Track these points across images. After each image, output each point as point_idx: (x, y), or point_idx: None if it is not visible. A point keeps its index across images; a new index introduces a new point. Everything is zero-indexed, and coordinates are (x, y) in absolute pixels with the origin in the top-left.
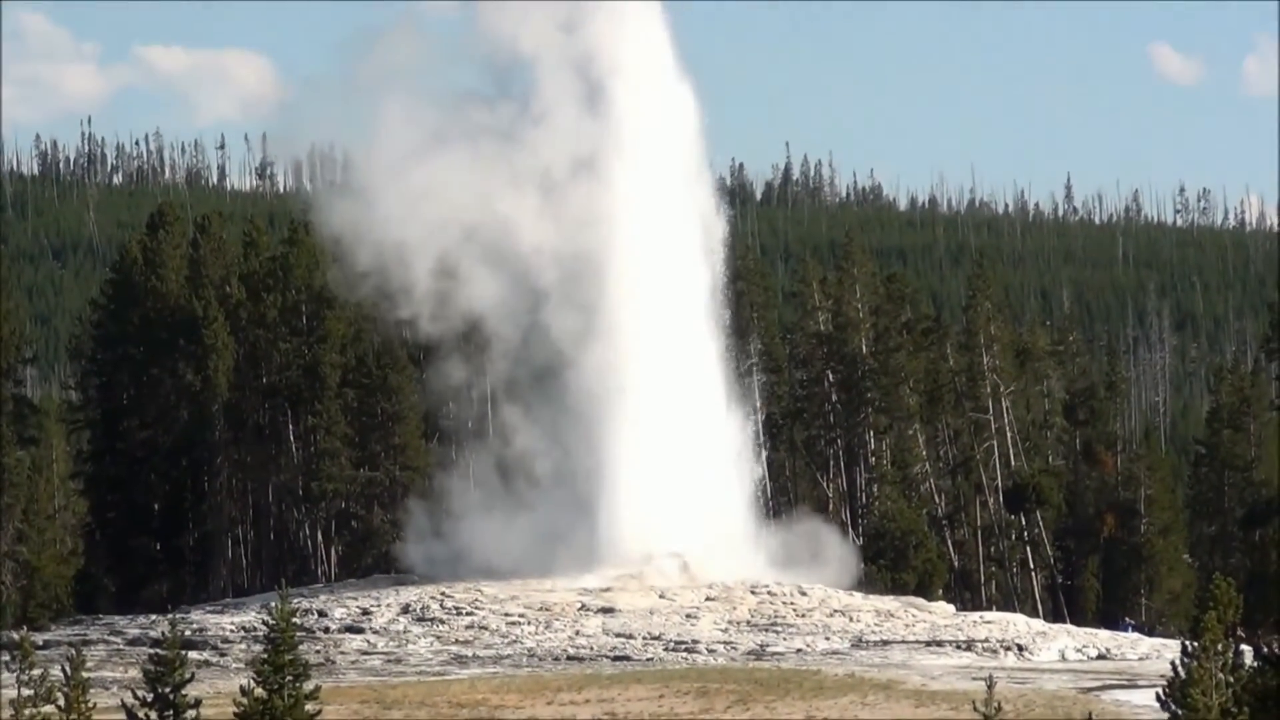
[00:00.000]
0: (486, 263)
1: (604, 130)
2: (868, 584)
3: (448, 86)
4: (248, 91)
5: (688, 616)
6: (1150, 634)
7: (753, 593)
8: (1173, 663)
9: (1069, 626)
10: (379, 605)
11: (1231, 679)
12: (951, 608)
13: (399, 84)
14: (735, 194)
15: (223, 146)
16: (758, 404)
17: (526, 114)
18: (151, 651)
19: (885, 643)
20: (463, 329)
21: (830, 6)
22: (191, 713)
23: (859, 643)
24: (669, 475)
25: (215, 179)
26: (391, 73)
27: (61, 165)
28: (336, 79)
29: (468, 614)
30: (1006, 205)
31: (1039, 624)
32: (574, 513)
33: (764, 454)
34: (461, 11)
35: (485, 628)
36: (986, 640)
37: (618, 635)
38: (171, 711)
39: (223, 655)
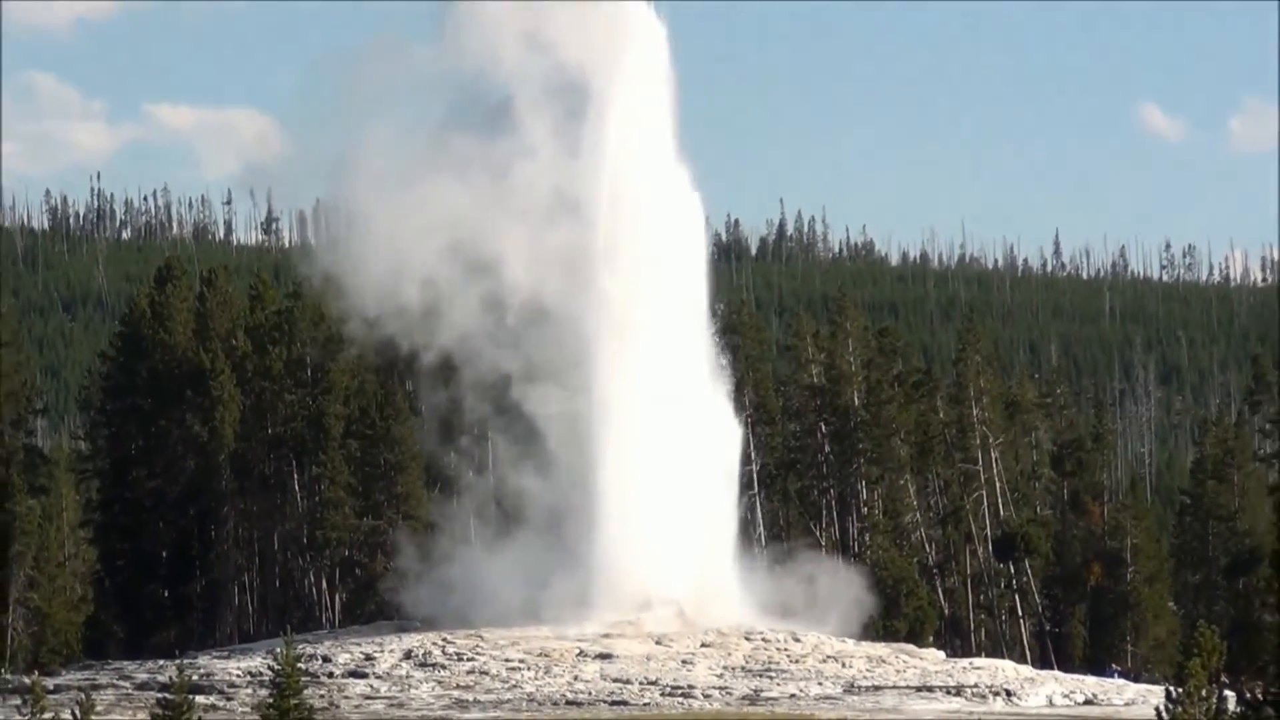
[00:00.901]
0: (473, 306)
1: (592, 172)
2: (869, 630)
3: (430, 115)
4: (251, 148)
5: (683, 662)
6: (1136, 680)
7: (747, 639)
8: (1158, 708)
9: (1056, 673)
10: (382, 651)
11: None
12: (942, 654)
13: (381, 111)
14: (731, 249)
15: (229, 202)
16: (752, 454)
17: (514, 148)
18: (160, 696)
19: (877, 688)
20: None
21: (824, 67)
22: None
23: (851, 688)
24: (666, 524)
25: (222, 234)
26: (373, 100)
27: (71, 220)
28: (325, 126)
29: (469, 659)
30: (996, 261)
31: (1027, 670)
32: (572, 561)
33: (759, 503)
34: (443, 48)
35: (486, 673)
36: (976, 686)
37: (615, 680)
38: None
39: (229, 700)
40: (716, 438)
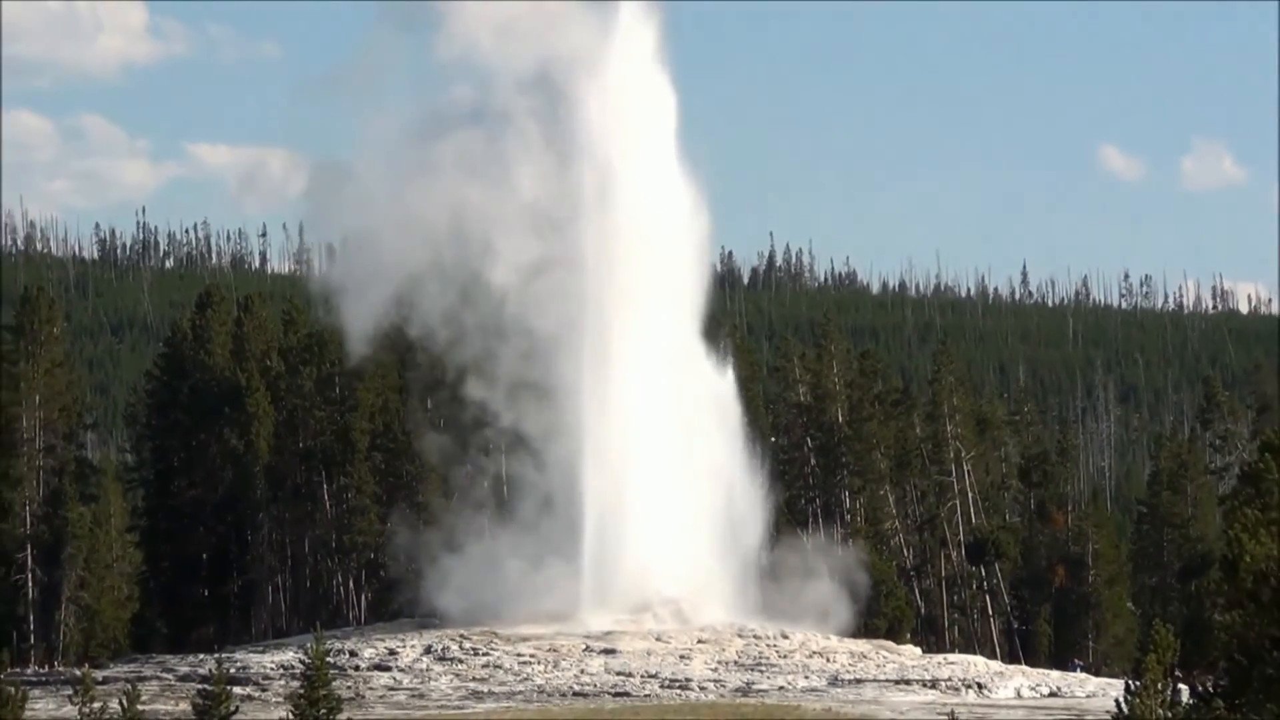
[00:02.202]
0: (466, 317)
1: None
2: (849, 629)
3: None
4: (283, 185)
5: (681, 657)
6: (1097, 674)
7: (740, 636)
8: (1117, 700)
9: (1024, 667)
10: (404, 646)
11: (1170, 715)
12: (918, 650)
13: (370, 118)
14: (724, 278)
15: (264, 234)
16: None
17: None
18: (200, 687)
19: (859, 681)
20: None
21: (811, 110)
22: None
23: (835, 681)
24: (666, 530)
25: (257, 264)
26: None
27: (119, 251)
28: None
29: (484, 654)
30: (968, 289)
31: (997, 665)
32: (580, 566)
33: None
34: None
35: (500, 666)
36: (950, 679)
37: (618, 674)
38: None
39: (264, 691)
40: (711, 453)
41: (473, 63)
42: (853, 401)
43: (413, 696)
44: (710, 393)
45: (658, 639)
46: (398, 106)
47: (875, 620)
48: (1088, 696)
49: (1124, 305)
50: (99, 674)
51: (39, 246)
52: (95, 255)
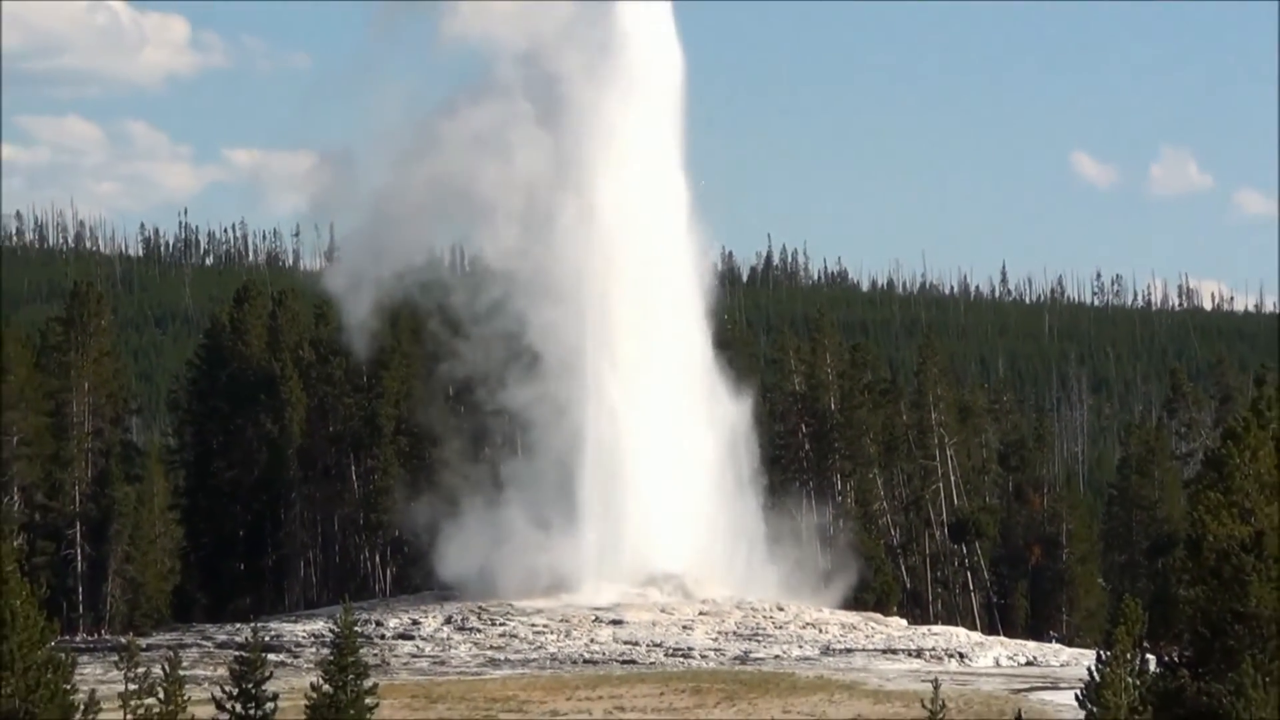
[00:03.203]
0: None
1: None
2: (840, 602)
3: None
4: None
5: (684, 628)
6: (1070, 645)
7: (738, 608)
8: (1089, 669)
9: (1002, 638)
10: (426, 617)
11: (1137, 682)
12: (904, 622)
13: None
14: (725, 277)
15: (298, 234)
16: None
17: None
18: (237, 654)
19: (849, 650)
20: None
21: (806, 121)
22: (270, 705)
23: (827, 650)
24: (671, 511)
25: (291, 261)
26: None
27: (162, 249)
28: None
29: (500, 624)
30: (952, 287)
31: (977, 636)
32: (590, 542)
33: (749, 492)
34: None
35: (515, 636)
36: (933, 649)
37: (626, 643)
38: (253, 704)
39: (296, 657)
40: (715, 442)
41: (476, 50)
42: (844, 391)
43: (434, 663)
44: (708, 386)
45: (662, 611)
46: (399, 93)
47: (864, 594)
48: (1062, 666)
49: (1096, 302)
50: (143, 642)
51: (88, 245)
52: (140, 253)
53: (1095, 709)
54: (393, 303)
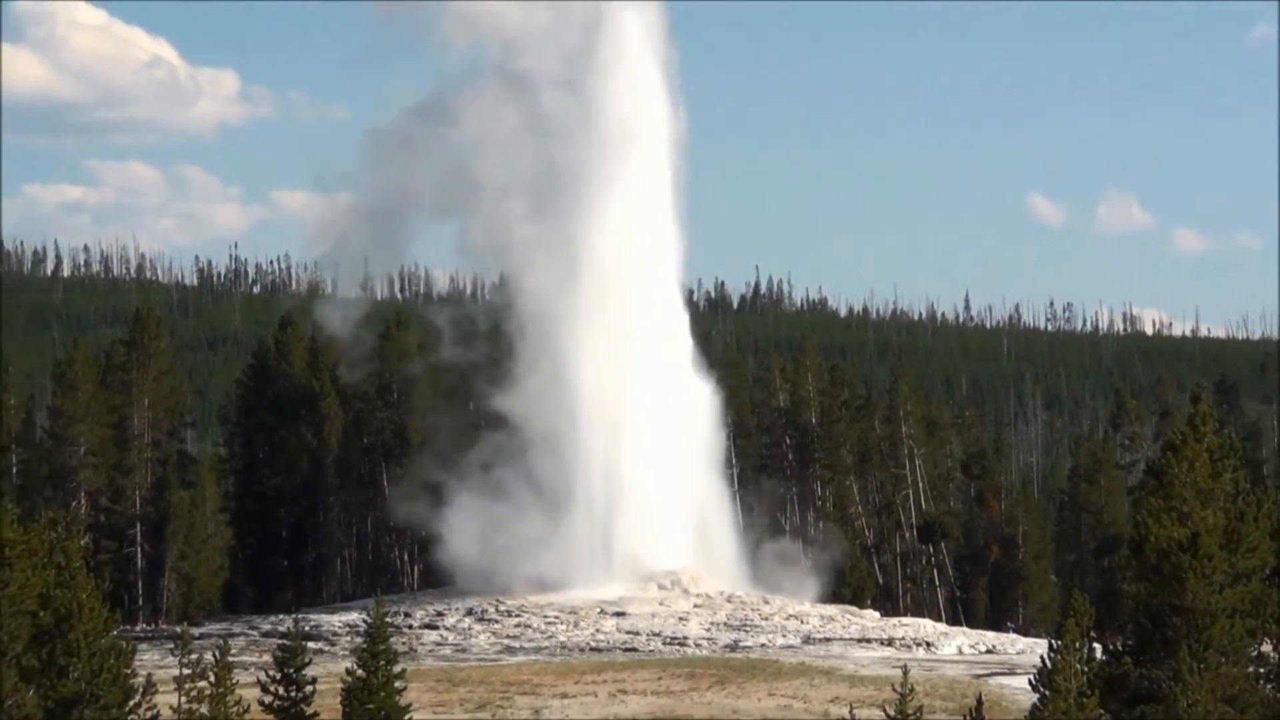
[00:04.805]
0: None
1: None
2: (820, 596)
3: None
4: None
5: (680, 619)
6: (1025, 634)
7: (729, 602)
8: (1042, 656)
9: (964, 629)
10: (450, 609)
11: (1085, 669)
12: (877, 614)
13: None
14: (717, 303)
15: (335, 265)
16: (734, 460)
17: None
18: (280, 642)
19: (828, 640)
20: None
21: (793, 162)
22: (309, 688)
23: (808, 640)
24: (668, 514)
25: (330, 289)
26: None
27: (214, 279)
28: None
29: (515, 616)
30: (920, 313)
31: (943, 626)
32: (596, 541)
33: (738, 498)
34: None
35: (529, 626)
36: (903, 638)
37: (628, 633)
38: (294, 687)
39: (333, 645)
40: (708, 451)
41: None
42: (824, 406)
43: (456, 651)
44: (698, 398)
45: (660, 604)
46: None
47: (841, 589)
48: (1018, 653)
49: (1049, 328)
50: (196, 631)
51: (149, 275)
52: (195, 282)
53: (1047, 692)
54: (419, 323)
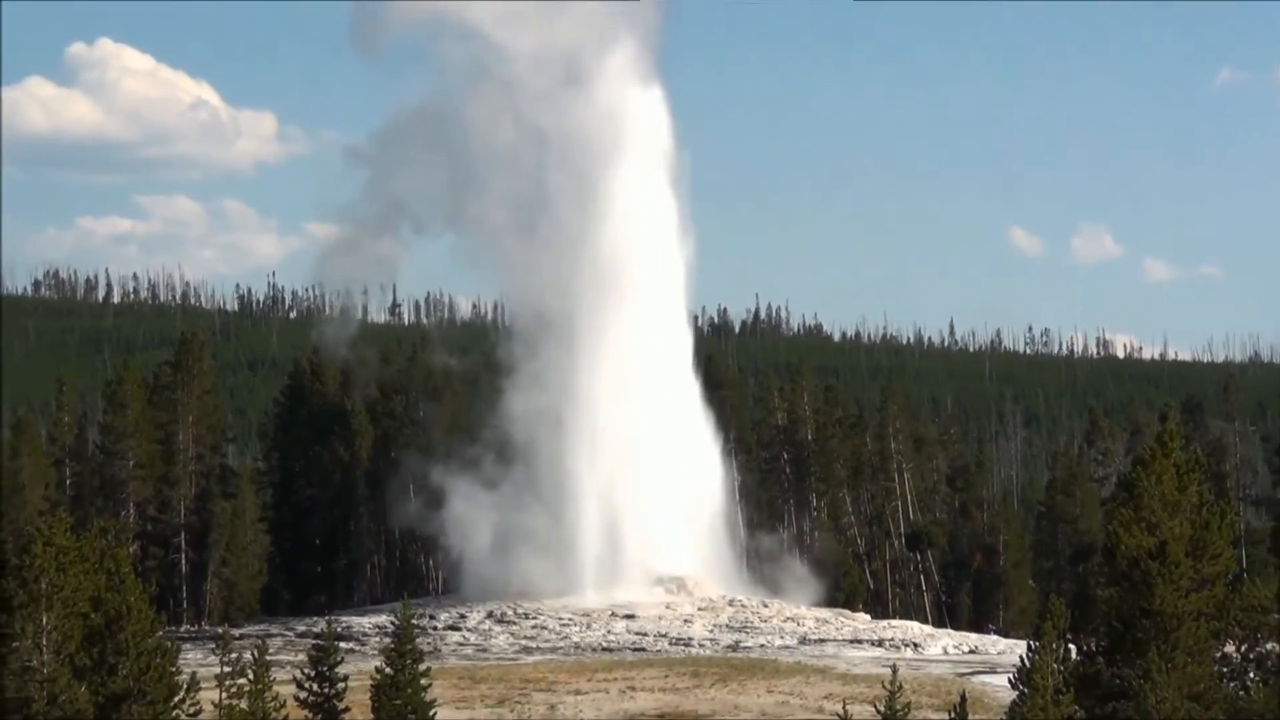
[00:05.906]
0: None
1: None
2: (815, 600)
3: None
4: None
5: (685, 621)
6: (1006, 636)
7: (730, 605)
8: (1021, 656)
9: (949, 631)
10: (471, 612)
11: (1061, 668)
12: (868, 617)
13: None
14: (720, 328)
15: (365, 292)
16: (735, 473)
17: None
18: (314, 642)
19: (822, 640)
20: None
21: (790, 196)
22: (341, 685)
23: (804, 640)
24: (676, 524)
25: (360, 314)
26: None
27: (254, 305)
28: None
29: (532, 618)
30: (909, 338)
31: (929, 629)
32: (608, 551)
33: (739, 509)
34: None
35: (545, 628)
36: (892, 639)
37: (636, 634)
38: (328, 684)
39: (363, 645)
40: (710, 469)
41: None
42: (819, 424)
43: (478, 651)
44: (699, 416)
45: (667, 607)
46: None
47: (835, 593)
48: (999, 653)
49: (1028, 351)
50: (236, 631)
51: (193, 301)
52: (236, 308)
53: (1026, 690)
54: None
